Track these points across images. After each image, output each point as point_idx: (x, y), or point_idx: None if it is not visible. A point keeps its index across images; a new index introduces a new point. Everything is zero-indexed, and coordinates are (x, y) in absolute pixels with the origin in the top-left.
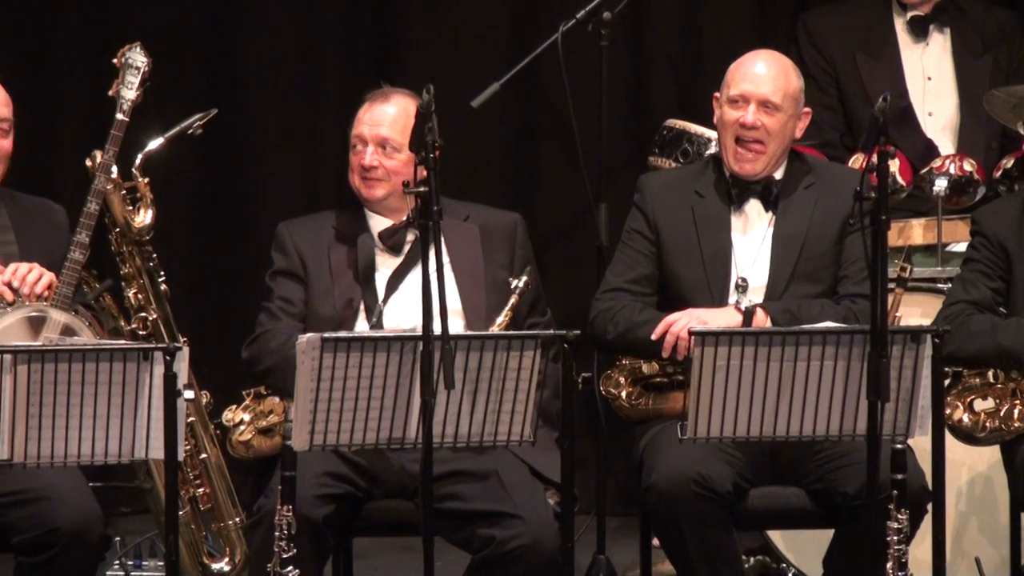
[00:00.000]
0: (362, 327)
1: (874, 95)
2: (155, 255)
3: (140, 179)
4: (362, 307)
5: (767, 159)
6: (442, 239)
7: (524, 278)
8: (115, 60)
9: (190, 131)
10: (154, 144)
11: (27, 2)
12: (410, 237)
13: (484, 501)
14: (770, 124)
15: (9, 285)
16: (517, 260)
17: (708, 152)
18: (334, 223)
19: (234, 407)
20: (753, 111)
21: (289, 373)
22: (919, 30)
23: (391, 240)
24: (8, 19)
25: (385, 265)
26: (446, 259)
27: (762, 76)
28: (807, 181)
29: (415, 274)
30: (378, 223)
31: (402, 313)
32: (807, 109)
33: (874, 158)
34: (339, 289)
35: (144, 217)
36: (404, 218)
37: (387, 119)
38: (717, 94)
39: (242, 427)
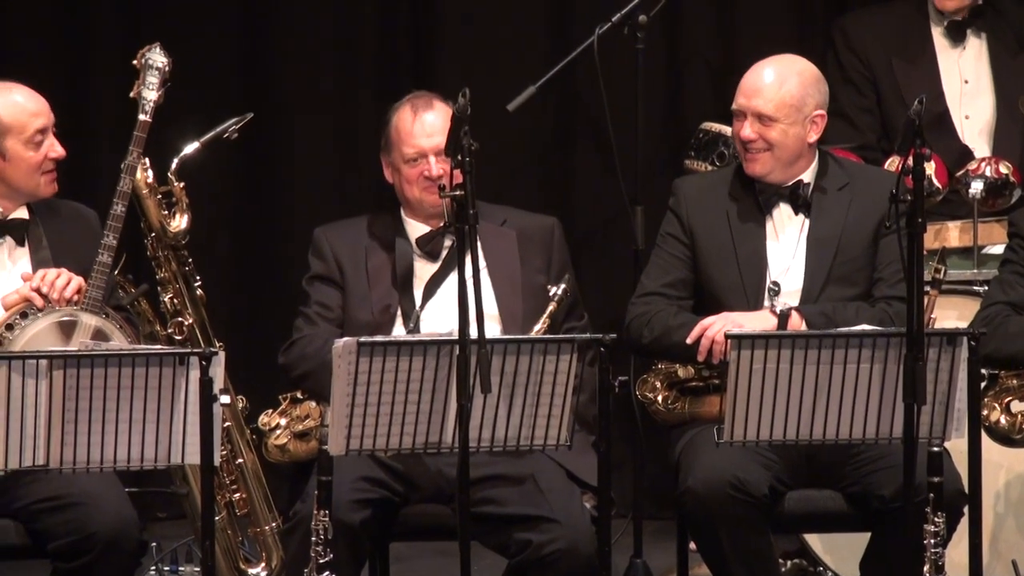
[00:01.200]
0: (399, 332)
1: (910, 99)
2: (191, 259)
3: (176, 183)
4: (399, 312)
5: (773, 162)
6: (479, 244)
7: (563, 285)
8: (135, 61)
9: (226, 135)
10: (190, 148)
11: (61, 5)
12: (447, 243)
13: (521, 505)
14: (768, 134)
15: (38, 291)
16: (554, 264)
17: None
18: (371, 228)
19: (270, 412)
20: (749, 125)
21: (325, 378)
22: (956, 35)
23: (428, 246)
24: (43, 22)
25: (422, 270)
26: (483, 264)
27: (757, 89)
28: (840, 183)
29: (452, 279)
30: (416, 229)
31: (439, 318)
32: (820, 112)
33: (910, 161)
34: (376, 294)
35: (180, 222)
36: (441, 223)
37: (438, 128)
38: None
39: (278, 431)
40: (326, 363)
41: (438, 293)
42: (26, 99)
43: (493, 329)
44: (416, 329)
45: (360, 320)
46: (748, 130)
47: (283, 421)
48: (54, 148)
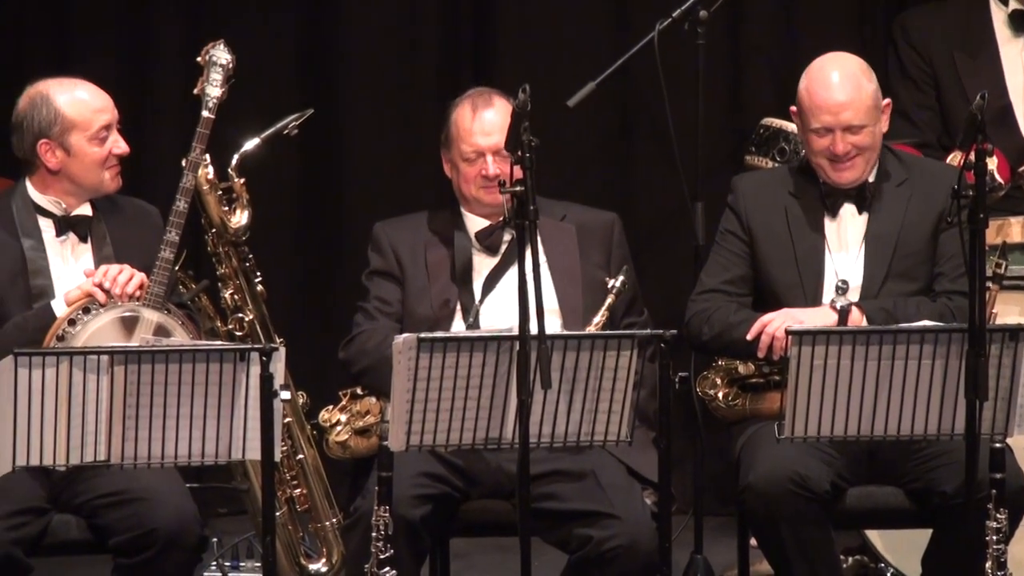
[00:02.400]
0: (459, 327)
1: (972, 94)
2: (251, 256)
3: (236, 180)
4: (459, 307)
5: (864, 165)
6: (539, 238)
7: (621, 278)
8: (199, 58)
9: (286, 131)
10: (250, 145)
11: (122, 3)
12: (507, 237)
13: (581, 501)
14: (859, 140)
15: (101, 286)
16: (614, 260)
17: (803, 152)
18: (430, 223)
19: (330, 408)
20: (840, 139)
21: (386, 373)
22: (1019, 24)
23: (488, 240)
24: (105, 19)
25: (482, 265)
26: (543, 259)
27: (838, 104)
28: (900, 178)
29: (512, 274)
30: (475, 223)
31: (499, 313)
32: (887, 101)
33: (972, 156)
34: (436, 289)
35: (240, 218)
36: (501, 218)
37: (497, 127)
38: (794, 108)
39: (338, 427)
40: (386, 359)
41: (497, 287)
42: (91, 95)
43: (553, 324)
44: (475, 324)
45: (419, 315)
46: (841, 145)
47: (343, 417)
48: (118, 144)
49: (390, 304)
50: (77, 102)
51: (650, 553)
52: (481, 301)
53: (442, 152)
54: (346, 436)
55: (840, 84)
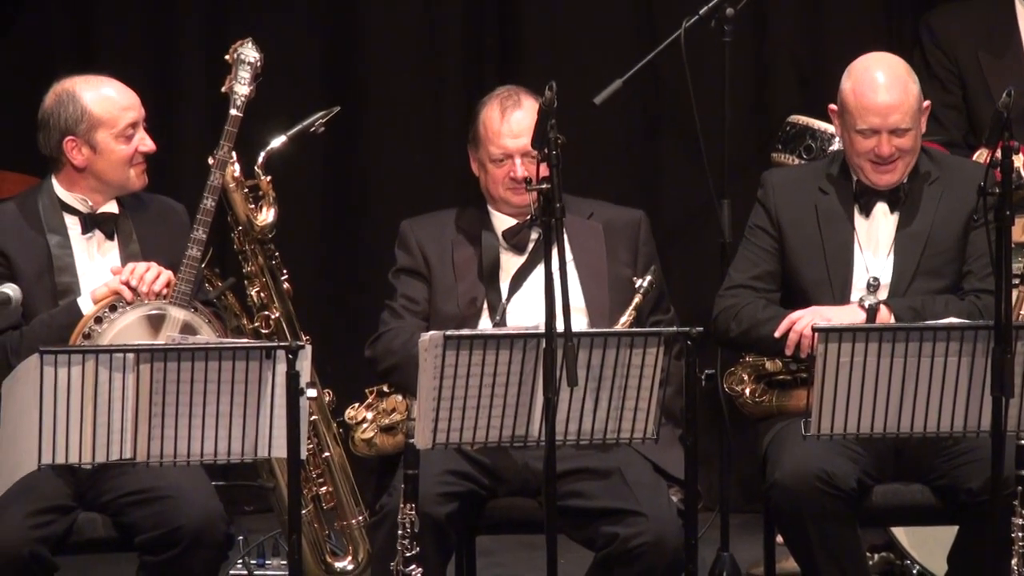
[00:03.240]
0: (485, 325)
1: (998, 93)
2: (278, 253)
3: (263, 177)
4: (486, 305)
5: (904, 167)
6: (565, 237)
7: (648, 277)
8: (227, 56)
9: (312, 129)
10: (277, 142)
11: (149, 1)
12: (534, 235)
13: (607, 498)
14: (904, 143)
15: (128, 284)
16: (641, 257)
17: (831, 148)
18: (457, 220)
19: (356, 405)
20: (886, 141)
21: (412, 372)
22: None
23: (515, 239)
24: (129, 17)
25: (509, 263)
26: (569, 257)
27: (887, 106)
28: (931, 176)
29: (539, 272)
30: (502, 221)
31: (526, 311)
32: (927, 103)
33: (998, 153)
34: (463, 287)
35: (267, 215)
36: (528, 217)
37: (525, 128)
38: (834, 107)
39: (364, 425)
40: (412, 357)
41: (524, 286)
42: (118, 93)
43: (580, 322)
44: (503, 322)
45: (446, 313)
46: (887, 147)
47: (369, 415)
48: (144, 142)
49: (417, 302)
50: (104, 99)
51: (676, 550)
52: (508, 299)
53: (469, 150)
54: (372, 434)
55: (888, 86)
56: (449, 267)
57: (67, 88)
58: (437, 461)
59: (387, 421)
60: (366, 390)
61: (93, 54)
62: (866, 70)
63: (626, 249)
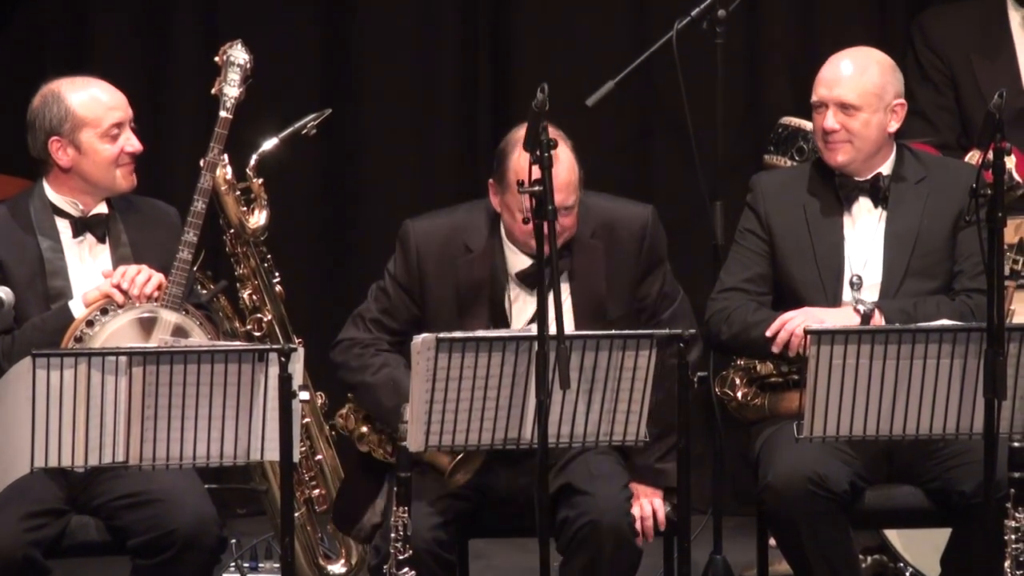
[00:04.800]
0: None
1: (990, 95)
2: (270, 256)
3: (254, 180)
4: None
5: (854, 152)
6: (565, 288)
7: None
8: (217, 58)
9: (304, 131)
10: (268, 145)
11: (141, 2)
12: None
13: (561, 478)
14: (851, 124)
15: (119, 287)
16: (642, 264)
17: None
18: (466, 236)
19: (344, 412)
20: (832, 115)
21: (367, 398)
22: None
23: (529, 280)
24: (122, 19)
25: (523, 305)
26: (566, 288)
27: (837, 79)
28: (918, 176)
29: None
30: (517, 261)
31: None
32: (900, 101)
33: (990, 155)
34: (467, 326)
35: (259, 218)
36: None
37: (562, 184)
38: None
39: (365, 432)
40: (367, 385)
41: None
42: (103, 93)
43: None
44: None
45: None
46: (831, 120)
47: (365, 429)
48: (131, 142)
49: (394, 319)
50: (88, 99)
51: (618, 533)
52: None
53: (492, 184)
54: (366, 429)
55: (844, 65)
56: (451, 294)
57: (53, 89)
58: (427, 489)
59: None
60: (348, 395)
61: (86, 56)
62: (837, 55)
63: (629, 260)
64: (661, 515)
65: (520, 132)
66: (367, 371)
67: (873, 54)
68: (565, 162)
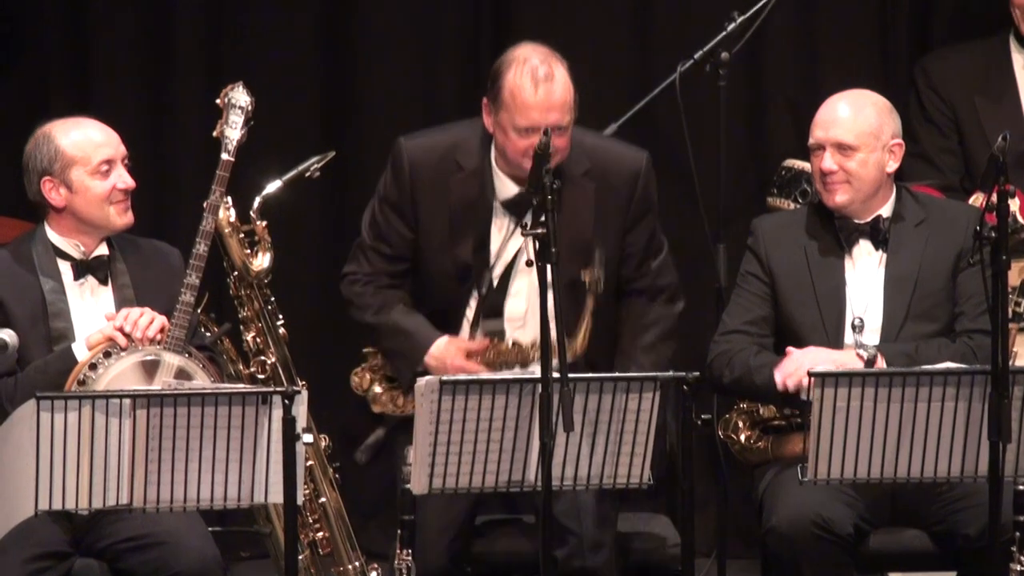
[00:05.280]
0: (472, 300)
1: (993, 137)
2: (273, 299)
3: (258, 222)
4: (472, 274)
5: (853, 193)
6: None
7: (596, 270)
8: (218, 100)
9: (308, 174)
10: (272, 187)
11: (142, 44)
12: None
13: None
14: (849, 165)
15: (121, 330)
16: (632, 213)
17: None
18: (458, 157)
19: (359, 371)
20: (829, 156)
21: (373, 338)
22: None
23: (514, 209)
24: (126, 61)
25: (502, 231)
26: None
27: (834, 120)
28: (918, 218)
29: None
30: (505, 187)
31: (515, 288)
32: (898, 141)
33: (994, 197)
34: (456, 251)
35: (262, 260)
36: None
37: (556, 103)
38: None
39: (373, 386)
40: (369, 325)
41: (516, 264)
42: (92, 131)
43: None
44: (489, 296)
45: (432, 270)
46: (829, 161)
47: (369, 376)
48: (123, 178)
49: (389, 245)
50: (77, 138)
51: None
52: (494, 270)
53: (486, 103)
54: (380, 389)
55: (840, 106)
56: (444, 214)
57: (44, 131)
58: (436, 514)
59: (390, 372)
60: (363, 350)
61: (87, 99)
62: (833, 97)
63: (620, 203)
64: None
65: (517, 51)
66: (367, 311)
67: (869, 95)
68: (560, 81)
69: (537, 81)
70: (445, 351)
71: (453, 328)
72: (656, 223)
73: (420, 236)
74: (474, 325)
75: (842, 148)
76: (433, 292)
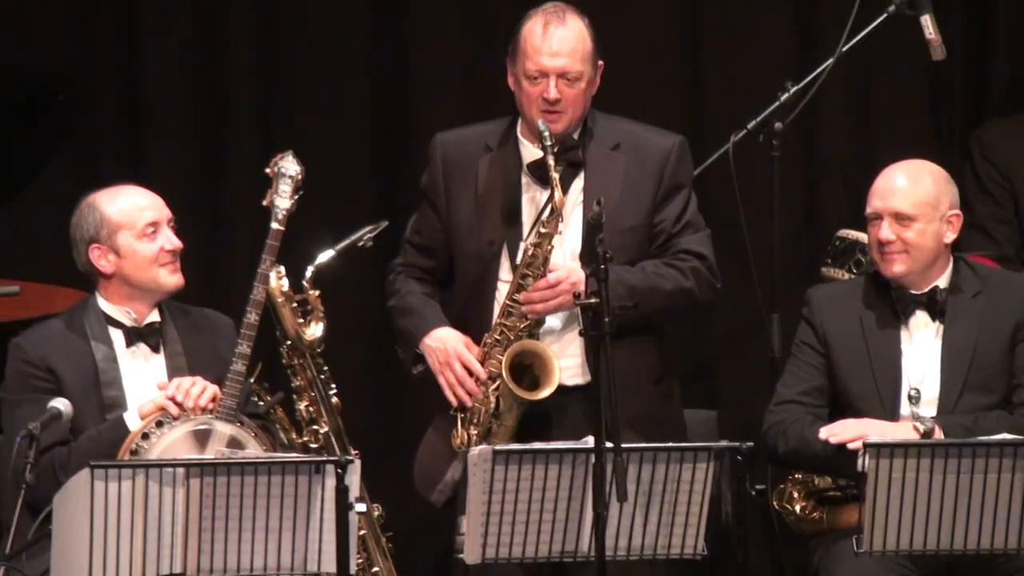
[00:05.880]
0: (504, 271)
1: None
2: (326, 367)
3: (311, 292)
4: (504, 248)
5: (911, 263)
6: (582, 173)
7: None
8: (268, 170)
9: (361, 243)
10: (325, 257)
11: (194, 113)
12: (558, 168)
13: None
14: (907, 235)
15: (173, 399)
16: (664, 189)
17: None
18: (487, 138)
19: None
20: (887, 226)
21: (394, 317)
22: None
23: (539, 171)
24: (177, 131)
25: (530, 193)
26: (580, 195)
27: (892, 190)
28: (975, 289)
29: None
30: (529, 152)
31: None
32: (956, 211)
33: None
34: (485, 226)
35: (315, 330)
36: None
37: (566, 49)
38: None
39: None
40: (388, 308)
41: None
42: (136, 195)
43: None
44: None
45: (466, 250)
46: (886, 231)
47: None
48: (169, 240)
49: (419, 234)
50: (121, 203)
51: None
52: (527, 238)
53: (508, 62)
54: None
55: (899, 175)
56: (471, 195)
57: (88, 201)
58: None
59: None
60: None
61: (139, 170)
62: (892, 167)
63: (649, 179)
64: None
65: (540, 7)
66: (392, 296)
67: (926, 165)
68: (572, 28)
69: (547, 25)
70: (448, 336)
71: (487, 314)
72: (692, 203)
73: (450, 220)
74: (510, 297)
75: (900, 218)
76: (467, 280)
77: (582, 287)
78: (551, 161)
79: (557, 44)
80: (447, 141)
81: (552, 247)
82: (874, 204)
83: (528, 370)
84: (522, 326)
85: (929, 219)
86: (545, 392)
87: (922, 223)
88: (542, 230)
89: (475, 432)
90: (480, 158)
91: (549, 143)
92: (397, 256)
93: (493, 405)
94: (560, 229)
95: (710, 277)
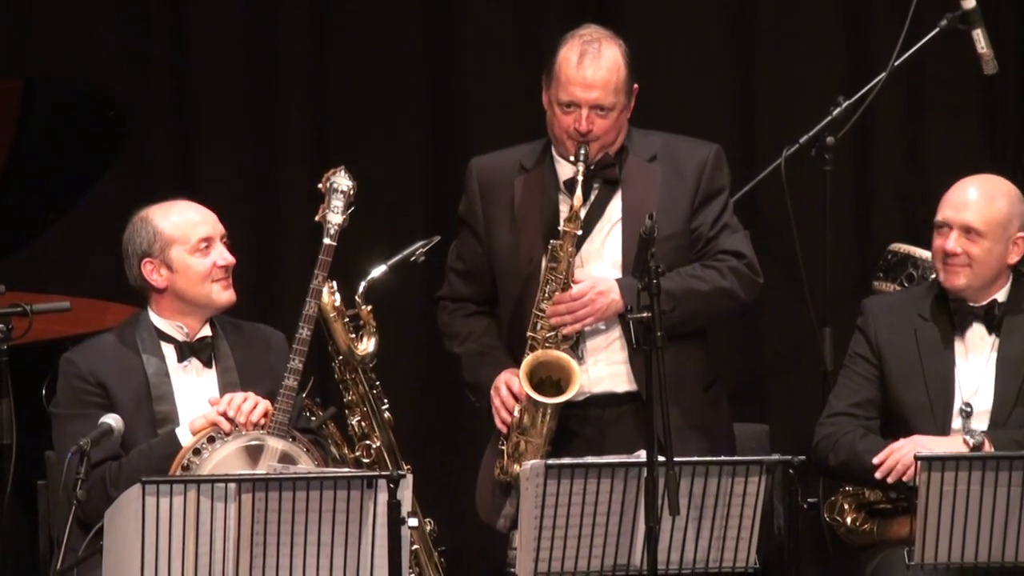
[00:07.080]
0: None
1: None
2: (379, 383)
3: (363, 307)
4: (544, 263)
5: (972, 277)
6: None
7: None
8: (320, 185)
9: (413, 258)
10: (377, 272)
11: (247, 128)
12: (595, 185)
13: None
14: (973, 250)
15: (225, 415)
16: (701, 191)
17: (933, 276)
18: (522, 159)
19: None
20: (954, 238)
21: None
22: None
23: (574, 188)
24: (230, 147)
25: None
26: (619, 207)
27: (965, 203)
28: None
29: (599, 229)
30: (564, 169)
31: (587, 268)
32: (1023, 234)
33: None
34: (524, 244)
35: (367, 345)
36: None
37: (599, 82)
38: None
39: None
40: (456, 355)
41: (587, 241)
42: (189, 210)
43: (612, 275)
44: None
45: (508, 271)
46: (953, 243)
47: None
48: (223, 255)
49: (461, 259)
50: (174, 218)
51: None
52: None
53: (543, 80)
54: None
55: (973, 189)
56: (508, 216)
57: (141, 215)
58: None
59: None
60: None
61: (192, 185)
62: (966, 179)
63: (687, 187)
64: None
65: (578, 30)
66: (455, 340)
67: (1003, 184)
68: (607, 60)
69: (583, 56)
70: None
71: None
72: (729, 207)
73: (491, 242)
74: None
75: (969, 232)
76: (511, 300)
77: (610, 296)
78: (580, 175)
79: (591, 75)
80: (482, 166)
81: (573, 251)
82: (945, 213)
83: (549, 380)
84: (549, 335)
85: (997, 239)
86: (567, 395)
87: (990, 242)
88: (564, 229)
89: (507, 453)
90: (515, 179)
91: (583, 162)
92: (442, 286)
93: (518, 420)
94: (579, 231)
95: (751, 274)
